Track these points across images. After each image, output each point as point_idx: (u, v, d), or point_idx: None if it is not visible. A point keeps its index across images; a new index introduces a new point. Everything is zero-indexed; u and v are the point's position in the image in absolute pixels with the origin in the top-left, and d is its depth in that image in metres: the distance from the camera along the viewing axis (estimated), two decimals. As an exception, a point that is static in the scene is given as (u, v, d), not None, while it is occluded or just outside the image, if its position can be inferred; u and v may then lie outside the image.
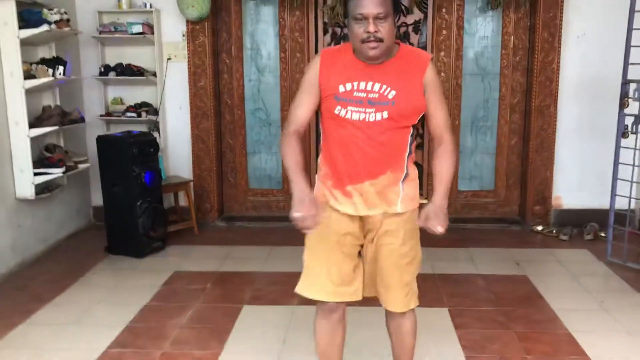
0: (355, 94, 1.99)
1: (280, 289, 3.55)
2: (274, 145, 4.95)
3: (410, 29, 4.75)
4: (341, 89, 1.99)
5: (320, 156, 2.18)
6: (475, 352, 2.77)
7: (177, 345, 2.86)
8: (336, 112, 2.00)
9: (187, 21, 4.55)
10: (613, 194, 3.92)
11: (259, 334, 2.98)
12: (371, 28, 1.90)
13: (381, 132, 1.99)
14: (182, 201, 4.85)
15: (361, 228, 2.10)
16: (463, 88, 4.81)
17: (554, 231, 4.59)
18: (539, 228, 4.66)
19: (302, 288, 2.15)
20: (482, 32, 4.76)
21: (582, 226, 4.57)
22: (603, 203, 4.15)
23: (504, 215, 4.97)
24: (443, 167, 2.05)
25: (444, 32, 4.71)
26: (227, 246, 4.39)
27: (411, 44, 4.76)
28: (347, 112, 1.99)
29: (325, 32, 4.77)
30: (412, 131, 2.06)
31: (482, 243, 4.44)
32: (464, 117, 4.87)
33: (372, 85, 1.98)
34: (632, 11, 3.67)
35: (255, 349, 2.82)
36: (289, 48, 4.78)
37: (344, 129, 2.02)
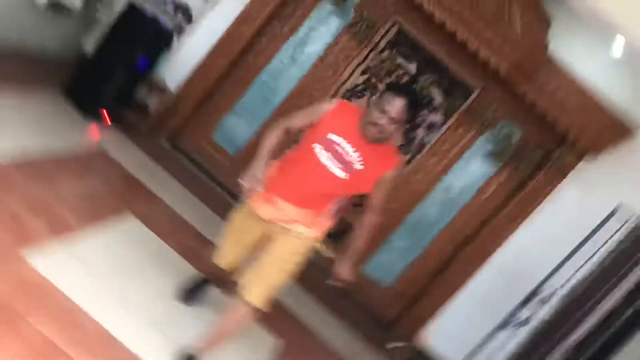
0: (337, 147, 2.48)
1: (171, 227, 3.72)
2: (255, 122, 5.12)
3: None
4: (331, 136, 2.48)
5: (276, 162, 2.64)
6: None
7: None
8: (315, 147, 2.49)
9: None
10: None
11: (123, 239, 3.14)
12: (383, 122, 2.41)
13: (332, 184, 2.50)
14: (152, 104, 4.97)
15: (266, 229, 2.61)
16: (424, 200, 5.10)
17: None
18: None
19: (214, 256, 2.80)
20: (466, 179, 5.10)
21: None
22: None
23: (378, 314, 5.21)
24: (358, 237, 2.60)
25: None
26: (156, 164, 4.53)
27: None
28: (322, 154, 2.48)
29: (362, 73, 5.02)
30: (349, 199, 2.62)
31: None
32: (410, 217, 5.14)
33: (354, 152, 2.48)
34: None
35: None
36: (326, 62, 5.01)
37: (310, 161, 2.49)
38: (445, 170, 5.06)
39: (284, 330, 3.61)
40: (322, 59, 5.03)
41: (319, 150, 2.48)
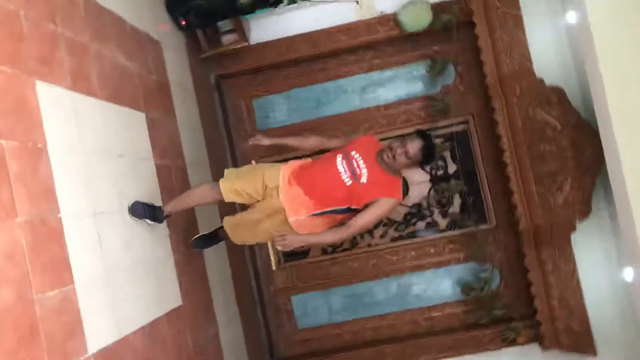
0: (353, 160, 3.06)
1: (166, 149, 3.73)
2: (295, 116, 5.17)
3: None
4: (353, 152, 3.10)
5: (310, 159, 3.31)
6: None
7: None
8: (338, 156, 3.11)
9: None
10: None
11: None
12: (399, 151, 2.96)
13: (337, 186, 3.02)
14: (225, 40, 5.01)
15: (268, 196, 3.13)
16: (381, 281, 5.11)
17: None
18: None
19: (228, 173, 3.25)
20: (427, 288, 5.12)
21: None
22: None
23: (275, 343, 5.19)
24: (326, 234, 3.11)
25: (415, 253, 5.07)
26: (193, 89, 4.56)
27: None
28: (340, 162, 3.08)
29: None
30: (346, 209, 3.07)
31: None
32: (360, 286, 5.14)
33: (364, 169, 3.03)
34: None
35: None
36: (387, 111, 5.07)
37: (330, 164, 3.10)
38: (416, 269, 5.08)
39: (190, 296, 3.60)
40: (386, 107, 5.09)
41: (339, 159, 3.05)
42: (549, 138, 4.36)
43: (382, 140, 4.82)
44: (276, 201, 3.06)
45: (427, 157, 3.02)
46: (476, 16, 4.59)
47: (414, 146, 2.94)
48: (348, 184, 2.99)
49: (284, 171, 3.13)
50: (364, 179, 2.97)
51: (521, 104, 4.42)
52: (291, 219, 3.05)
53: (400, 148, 2.93)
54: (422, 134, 3.03)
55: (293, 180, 3.08)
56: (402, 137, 3.07)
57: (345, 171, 2.99)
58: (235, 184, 3.14)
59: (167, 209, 3.24)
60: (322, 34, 4.93)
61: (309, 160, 3.29)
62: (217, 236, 3.69)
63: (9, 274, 2.06)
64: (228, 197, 3.16)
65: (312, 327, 5.19)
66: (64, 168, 2.51)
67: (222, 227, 3.45)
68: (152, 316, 3.07)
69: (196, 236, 3.61)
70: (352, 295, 5.17)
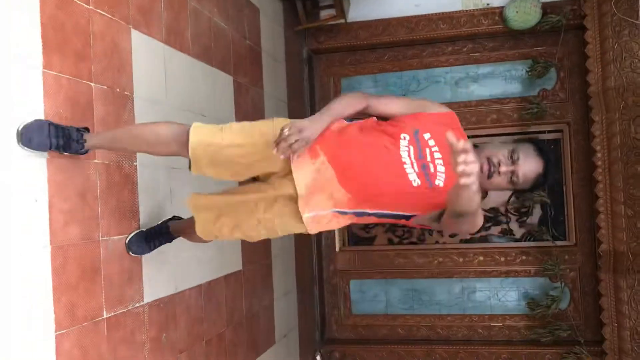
0: (427, 150, 1.87)
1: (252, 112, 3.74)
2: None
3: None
4: (426, 135, 1.88)
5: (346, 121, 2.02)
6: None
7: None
8: (404, 137, 1.89)
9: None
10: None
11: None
12: (502, 170, 1.86)
13: (396, 187, 1.88)
14: (323, 15, 4.97)
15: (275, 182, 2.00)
16: (444, 280, 4.99)
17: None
18: None
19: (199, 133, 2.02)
20: (490, 297, 4.93)
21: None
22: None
23: (328, 325, 5.19)
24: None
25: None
26: (284, 58, 4.54)
27: (488, 228, 4.90)
28: (406, 148, 1.87)
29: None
30: (396, 216, 1.96)
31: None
32: (421, 282, 5.05)
33: (441, 166, 1.86)
34: None
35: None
36: (477, 108, 4.86)
37: (389, 148, 1.87)
38: (482, 276, 4.90)
39: (251, 263, 3.64)
40: (477, 103, 4.89)
41: (404, 142, 1.86)
42: (648, 160, 4.06)
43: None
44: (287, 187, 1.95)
45: (535, 187, 1.96)
46: (588, 20, 4.31)
47: (531, 169, 1.86)
48: (415, 184, 1.86)
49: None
50: (439, 181, 1.86)
51: (623, 120, 4.13)
52: (306, 215, 1.94)
53: (507, 166, 1.84)
54: (541, 150, 1.92)
55: (320, 150, 1.90)
56: (510, 146, 1.90)
57: (412, 163, 1.86)
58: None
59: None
60: (421, 20, 4.78)
61: (344, 121, 2.02)
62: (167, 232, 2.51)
63: (79, 213, 2.13)
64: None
65: (367, 314, 5.13)
66: (147, 118, 2.57)
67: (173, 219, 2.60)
68: (211, 276, 3.12)
69: (134, 233, 2.45)
70: (412, 290, 5.07)
